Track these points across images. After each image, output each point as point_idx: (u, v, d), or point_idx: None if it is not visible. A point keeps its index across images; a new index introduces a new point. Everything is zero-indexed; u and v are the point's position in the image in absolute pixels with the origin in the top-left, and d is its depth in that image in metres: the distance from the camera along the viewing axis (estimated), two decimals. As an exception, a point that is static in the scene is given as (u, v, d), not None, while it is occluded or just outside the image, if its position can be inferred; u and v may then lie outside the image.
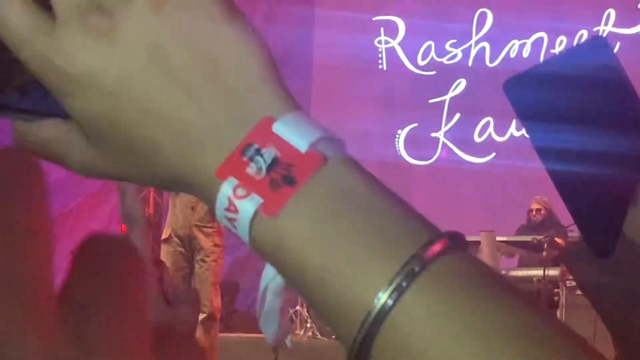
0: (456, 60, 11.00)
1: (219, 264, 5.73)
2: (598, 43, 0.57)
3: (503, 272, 7.60)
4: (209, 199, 0.44)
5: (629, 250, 0.55)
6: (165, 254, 5.68)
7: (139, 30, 0.44)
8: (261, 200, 0.42)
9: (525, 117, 0.57)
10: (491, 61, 10.89)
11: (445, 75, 10.85)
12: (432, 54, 10.99)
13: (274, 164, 0.42)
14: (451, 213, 7.51)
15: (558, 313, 7.78)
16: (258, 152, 0.42)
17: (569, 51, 0.57)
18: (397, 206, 0.42)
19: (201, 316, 5.33)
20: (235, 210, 0.42)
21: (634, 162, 0.56)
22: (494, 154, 10.64)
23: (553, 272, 7.71)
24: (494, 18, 10.82)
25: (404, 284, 0.39)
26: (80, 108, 0.45)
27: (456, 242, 0.40)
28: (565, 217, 8.69)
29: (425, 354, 0.38)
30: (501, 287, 0.40)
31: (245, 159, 0.42)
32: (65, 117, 0.46)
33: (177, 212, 5.70)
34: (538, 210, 8.47)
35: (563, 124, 0.57)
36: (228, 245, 5.98)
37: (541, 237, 7.81)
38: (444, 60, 10.99)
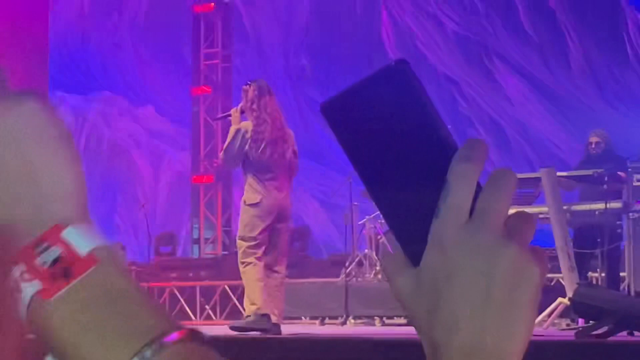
0: None
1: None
2: (398, 68, 0.60)
3: (565, 207, 7.53)
4: None
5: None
6: None
7: None
8: (40, 287, 0.55)
9: (344, 139, 0.61)
10: None
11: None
12: None
13: (58, 260, 0.56)
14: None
15: (624, 245, 7.69)
16: (47, 249, 0.56)
17: (374, 75, 0.60)
18: (147, 302, 0.57)
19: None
20: (19, 290, 0.56)
21: (437, 179, 0.59)
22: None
23: (615, 204, 7.60)
24: None
25: None
26: None
27: (190, 335, 0.56)
28: (622, 149, 8.48)
29: None
30: None
31: (36, 252, 0.56)
32: None
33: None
34: (597, 143, 8.31)
35: (377, 147, 0.60)
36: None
37: (601, 170, 7.69)
38: None
